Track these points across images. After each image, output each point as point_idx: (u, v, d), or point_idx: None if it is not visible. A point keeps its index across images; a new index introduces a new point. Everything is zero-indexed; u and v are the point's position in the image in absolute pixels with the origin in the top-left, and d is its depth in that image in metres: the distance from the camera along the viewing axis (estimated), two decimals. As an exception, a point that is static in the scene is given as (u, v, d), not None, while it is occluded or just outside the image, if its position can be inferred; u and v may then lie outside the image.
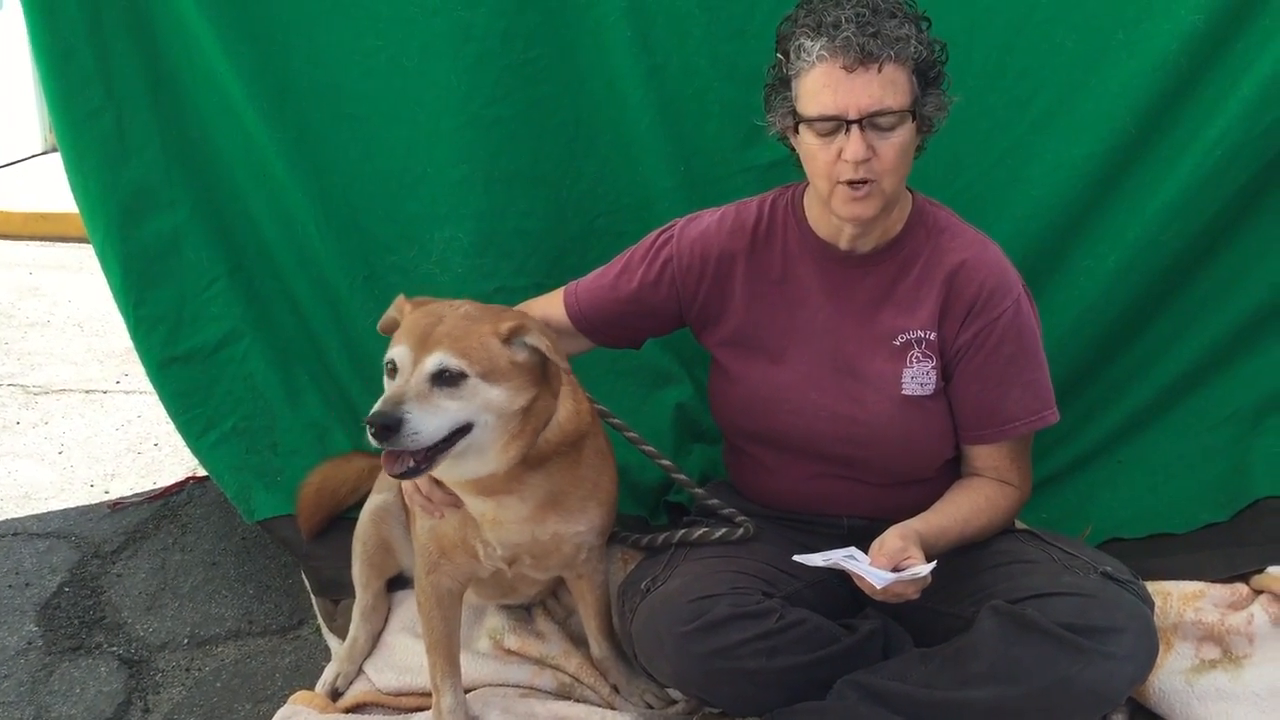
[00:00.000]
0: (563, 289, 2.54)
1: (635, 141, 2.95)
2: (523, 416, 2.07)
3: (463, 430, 1.98)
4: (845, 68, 2.06)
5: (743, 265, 2.38)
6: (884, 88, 2.07)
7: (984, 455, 2.33)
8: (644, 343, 2.62)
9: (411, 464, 1.95)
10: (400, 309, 2.15)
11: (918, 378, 2.27)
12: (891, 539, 2.10)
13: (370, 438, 1.90)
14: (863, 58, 2.05)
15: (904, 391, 2.27)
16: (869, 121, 2.07)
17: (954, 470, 2.39)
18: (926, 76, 2.13)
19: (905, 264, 2.29)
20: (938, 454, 2.34)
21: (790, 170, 2.36)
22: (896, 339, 2.27)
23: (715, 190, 2.88)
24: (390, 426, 1.88)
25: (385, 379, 2.02)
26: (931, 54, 2.13)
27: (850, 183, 2.12)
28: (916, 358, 2.27)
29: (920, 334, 2.26)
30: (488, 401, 2.00)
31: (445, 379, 1.96)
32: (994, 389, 2.26)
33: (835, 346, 2.31)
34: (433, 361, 1.96)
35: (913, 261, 2.29)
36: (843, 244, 2.30)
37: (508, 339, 2.05)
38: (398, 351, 2.00)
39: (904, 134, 2.11)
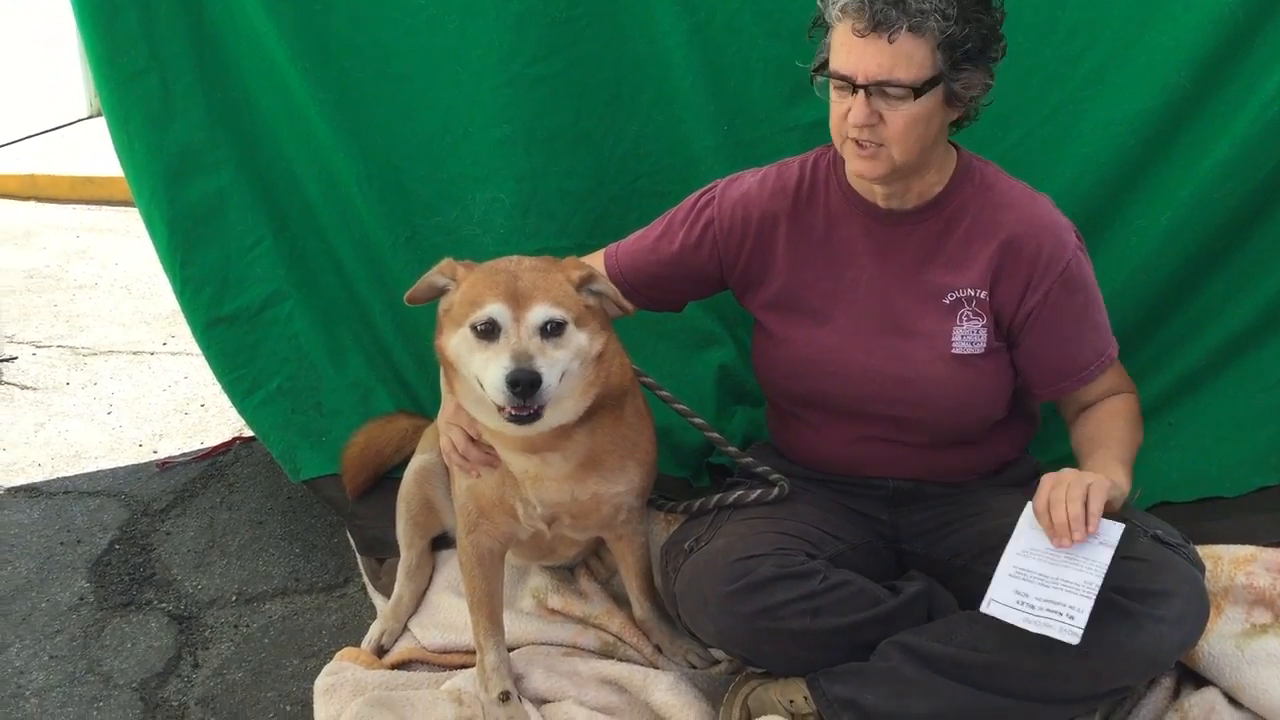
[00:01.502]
0: (603, 250, 2.53)
1: (678, 100, 2.91)
2: (597, 362, 2.09)
3: None
4: (857, 31, 2.03)
5: (785, 226, 2.36)
6: (895, 59, 2.02)
7: (1090, 391, 2.31)
8: (685, 305, 2.61)
9: (531, 412, 1.96)
10: (451, 272, 2.13)
11: (968, 336, 2.24)
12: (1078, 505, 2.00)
13: (512, 395, 1.91)
14: (874, 25, 2.02)
15: (954, 350, 2.24)
16: (877, 89, 2.04)
17: (1001, 431, 2.37)
18: (956, 54, 2.07)
19: (951, 220, 2.26)
20: (989, 414, 2.32)
21: (834, 129, 2.33)
22: (946, 297, 2.25)
23: (758, 150, 2.85)
24: (534, 383, 1.91)
25: (475, 341, 1.99)
26: (964, 33, 2.06)
27: (857, 140, 2.10)
28: (967, 316, 2.24)
29: (970, 292, 2.23)
30: (578, 347, 2.03)
31: (550, 330, 1.99)
32: (1074, 340, 2.26)
33: (883, 304, 2.29)
34: (538, 314, 1.99)
35: (960, 217, 2.25)
36: (879, 202, 2.27)
37: (579, 286, 2.08)
38: (495, 310, 1.99)
39: (916, 107, 2.06)
